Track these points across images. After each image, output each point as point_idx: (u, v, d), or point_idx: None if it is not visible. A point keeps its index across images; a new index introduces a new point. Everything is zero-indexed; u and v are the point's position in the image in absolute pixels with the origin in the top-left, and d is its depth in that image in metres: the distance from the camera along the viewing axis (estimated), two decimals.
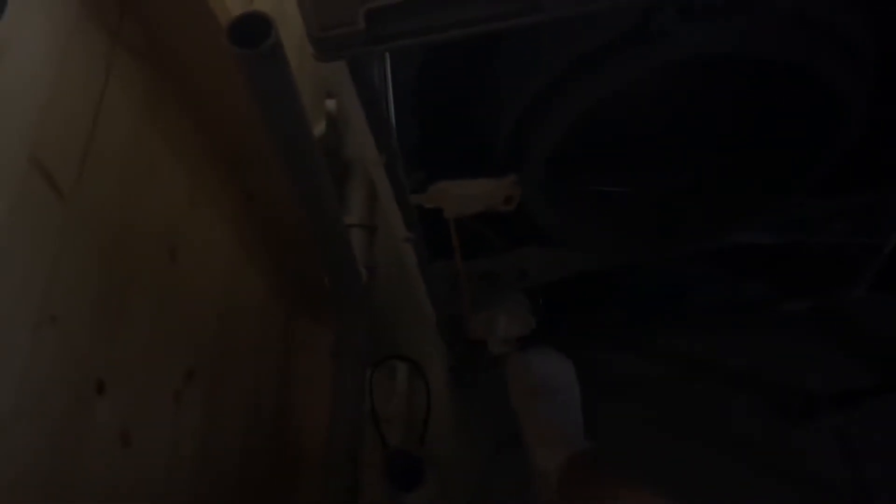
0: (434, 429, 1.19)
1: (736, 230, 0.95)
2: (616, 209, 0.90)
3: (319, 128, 1.18)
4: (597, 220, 0.90)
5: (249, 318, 1.02)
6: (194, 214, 0.87)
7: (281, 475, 1.07)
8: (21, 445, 0.55)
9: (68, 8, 0.65)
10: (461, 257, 0.91)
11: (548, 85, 0.70)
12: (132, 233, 0.73)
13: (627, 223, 0.91)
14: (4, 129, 0.56)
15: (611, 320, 1.23)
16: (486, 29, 0.56)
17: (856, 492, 1.12)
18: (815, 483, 1.13)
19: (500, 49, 0.75)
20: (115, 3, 0.71)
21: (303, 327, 1.16)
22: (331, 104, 1.21)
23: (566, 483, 0.74)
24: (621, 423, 1.18)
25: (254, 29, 0.64)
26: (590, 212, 0.89)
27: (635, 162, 0.90)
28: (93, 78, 0.68)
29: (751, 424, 1.19)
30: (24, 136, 0.59)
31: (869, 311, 1.22)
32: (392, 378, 1.23)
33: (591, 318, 1.23)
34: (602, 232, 0.91)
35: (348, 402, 1.10)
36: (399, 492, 1.09)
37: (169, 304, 0.79)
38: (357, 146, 0.74)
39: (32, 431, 0.56)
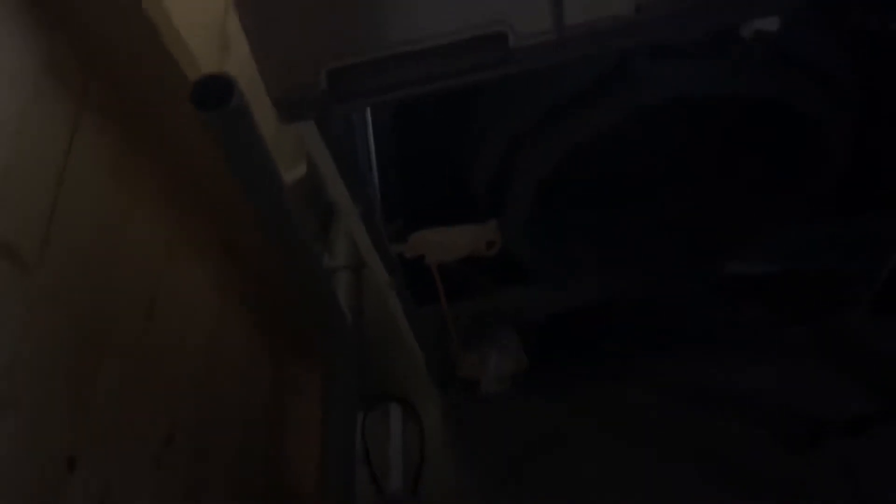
0: (430, 470, 1.17)
1: (727, 261, 0.93)
2: (602, 246, 0.88)
3: (301, 169, 1.16)
4: (583, 258, 0.88)
5: (234, 369, 1.00)
6: (172, 269, 0.85)
7: None
8: None
9: (28, 78, 0.63)
10: (447, 301, 0.89)
11: (525, 131, 0.68)
12: (105, 296, 0.71)
13: (614, 260, 0.90)
14: None
15: (606, 352, 1.21)
16: (454, 84, 0.55)
17: None
18: None
19: (477, 95, 0.74)
20: (79, 66, 0.70)
21: (291, 373, 1.14)
22: None
23: None
24: (621, 455, 1.16)
25: (219, 88, 0.63)
26: (575, 251, 0.87)
27: (621, 197, 0.88)
28: (55, 145, 0.66)
29: (753, 453, 1.16)
30: None
31: (870, 335, 1.20)
32: (385, 420, 1.21)
33: (586, 351, 1.21)
34: (588, 270, 0.89)
35: (340, 448, 1.08)
36: None
37: (146, 365, 0.77)
38: (333, 197, 0.73)
39: None
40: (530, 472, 1.16)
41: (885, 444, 1.10)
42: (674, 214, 0.88)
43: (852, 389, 1.17)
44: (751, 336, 1.20)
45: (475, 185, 0.77)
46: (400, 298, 0.87)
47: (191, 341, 0.89)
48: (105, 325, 0.71)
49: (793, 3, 0.56)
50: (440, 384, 1.16)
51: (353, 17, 0.51)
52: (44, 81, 0.65)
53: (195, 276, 0.92)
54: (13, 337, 0.58)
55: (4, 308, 0.58)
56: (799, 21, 0.64)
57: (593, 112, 0.65)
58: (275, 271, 1.00)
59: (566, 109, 0.66)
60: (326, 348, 1.09)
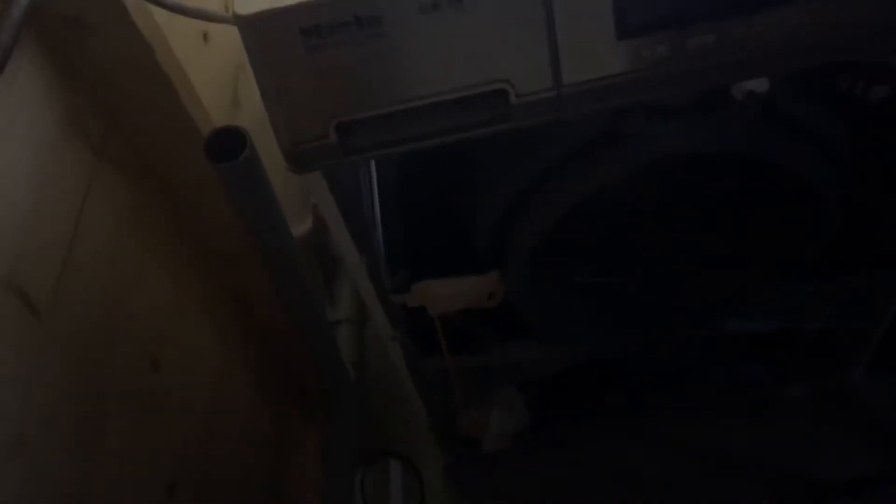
0: None
1: (725, 319, 0.95)
2: (603, 303, 0.90)
3: (307, 224, 1.19)
4: (582, 312, 0.89)
5: (237, 421, 1.00)
6: (179, 320, 0.86)
7: None
8: None
9: (49, 130, 0.66)
10: (449, 354, 0.90)
11: (525, 186, 0.70)
12: (112, 346, 0.73)
13: (615, 317, 0.91)
14: None
15: (607, 411, 1.21)
16: (454, 140, 0.57)
17: None
18: None
19: (480, 150, 0.77)
20: (97, 121, 0.72)
21: (293, 427, 1.14)
22: None
23: None
24: None
25: (231, 141, 0.65)
26: (575, 305, 0.89)
27: (622, 252, 0.90)
28: (73, 195, 0.68)
29: None
30: (0, 259, 0.59)
31: (870, 392, 1.20)
32: (385, 476, 1.20)
33: (588, 409, 1.21)
34: (588, 324, 0.90)
35: (339, 502, 1.07)
36: None
37: (150, 415, 0.77)
38: (337, 249, 0.75)
39: None
40: None
41: None
42: (673, 272, 0.90)
43: (853, 449, 1.17)
44: (751, 395, 1.20)
45: (477, 237, 0.79)
46: (402, 350, 0.88)
47: (195, 394, 0.90)
48: (111, 373, 0.72)
49: (777, 69, 0.59)
50: (441, 441, 1.16)
51: (362, 74, 0.54)
52: (63, 133, 0.68)
53: (201, 331, 0.93)
54: (23, 380, 0.59)
55: (16, 351, 0.59)
56: (789, 84, 0.67)
57: (590, 170, 0.68)
58: (279, 325, 1.01)
59: (563, 167, 0.69)
60: (328, 403, 1.09)
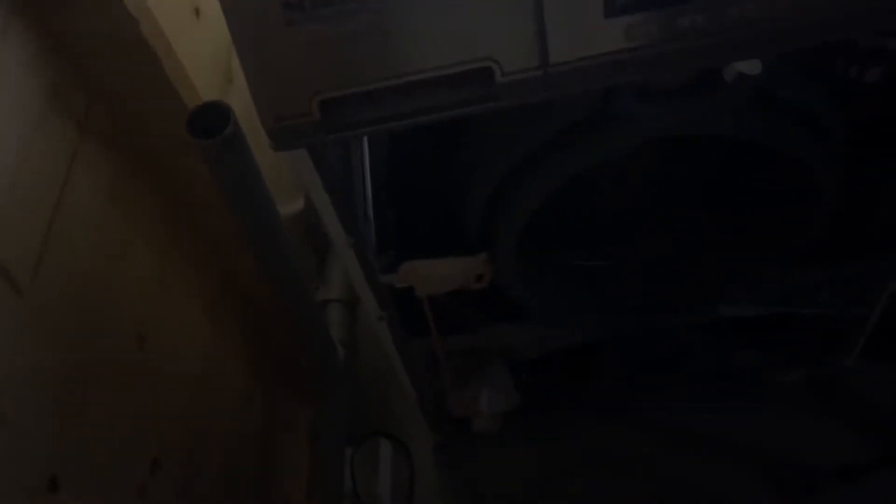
0: None
1: (718, 303, 0.94)
2: (591, 284, 0.89)
3: (299, 203, 1.18)
4: (572, 295, 0.89)
5: (225, 400, 1.00)
6: (165, 296, 0.86)
7: None
8: None
9: (33, 103, 0.65)
10: (437, 335, 0.90)
11: (513, 167, 0.70)
12: (96, 322, 0.72)
13: (604, 297, 0.90)
14: None
15: (598, 392, 1.21)
16: (441, 117, 0.56)
17: None
18: None
19: (468, 130, 0.76)
20: (82, 93, 0.72)
21: (283, 406, 1.14)
22: None
23: None
24: (609, 497, 1.15)
25: (216, 118, 0.64)
26: (564, 287, 0.88)
27: (611, 234, 0.89)
28: (56, 169, 0.68)
29: (748, 501, 1.15)
30: None
31: (863, 380, 1.20)
32: (375, 456, 1.20)
33: (578, 390, 1.21)
34: (577, 307, 0.89)
35: (329, 482, 1.07)
36: None
37: (135, 392, 0.77)
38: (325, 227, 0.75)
39: None
40: None
41: (879, 492, 1.09)
42: (665, 254, 0.89)
43: (846, 436, 1.16)
44: (744, 381, 1.20)
45: (465, 219, 0.78)
46: (390, 331, 0.88)
47: (181, 371, 0.90)
48: (95, 349, 0.72)
49: (768, 50, 0.58)
50: (431, 421, 1.16)
51: (346, 51, 0.53)
52: (47, 106, 0.67)
53: (188, 307, 0.92)
54: (4, 354, 0.59)
55: None
56: (783, 66, 0.66)
57: (575, 151, 0.67)
58: (268, 304, 1.01)
59: (551, 147, 0.68)
60: (318, 383, 1.09)
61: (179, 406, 0.87)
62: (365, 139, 0.90)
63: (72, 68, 0.71)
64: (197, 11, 0.95)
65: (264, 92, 0.55)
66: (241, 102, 0.73)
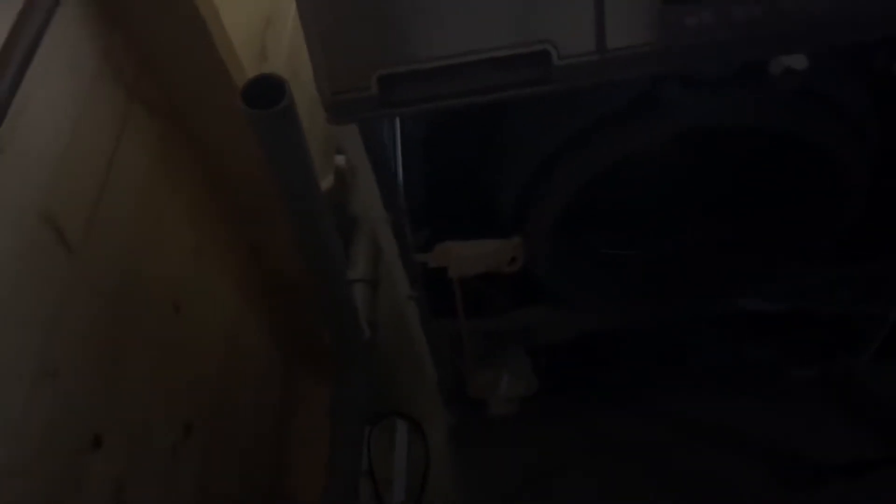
0: (433, 489, 1.17)
1: (741, 296, 0.95)
2: (621, 271, 0.90)
3: (327, 182, 1.19)
4: (601, 281, 0.90)
5: (250, 372, 1.02)
6: (199, 267, 0.87)
7: None
8: (15, 500, 0.54)
9: (87, 65, 0.67)
10: (465, 316, 0.91)
11: (553, 151, 0.71)
12: (138, 285, 0.74)
13: (632, 285, 0.91)
14: (18, 184, 0.57)
15: (614, 381, 1.22)
16: (495, 98, 0.57)
17: None
18: None
19: (508, 113, 0.77)
20: (132, 60, 0.73)
21: (303, 382, 1.15)
22: (340, 159, 1.22)
23: None
24: (622, 485, 1.17)
25: (267, 90, 0.66)
26: (594, 273, 0.89)
27: (642, 224, 0.90)
28: (108, 133, 0.69)
29: (752, 491, 1.16)
30: (37, 191, 0.59)
31: (875, 379, 1.21)
32: (391, 436, 1.22)
33: (595, 378, 1.22)
34: (606, 294, 0.91)
35: (346, 459, 1.09)
36: None
37: (171, 357, 0.79)
38: (364, 202, 0.76)
39: (27, 486, 0.55)
40: (531, 496, 1.17)
41: (885, 488, 1.11)
42: (693, 245, 0.90)
43: (854, 433, 1.18)
44: (757, 375, 1.21)
45: (501, 202, 0.79)
46: (419, 310, 0.89)
47: (212, 340, 0.91)
48: (135, 311, 0.74)
49: (820, 44, 0.59)
50: (448, 402, 1.17)
51: (406, 28, 0.54)
52: (99, 70, 0.68)
53: (220, 278, 0.94)
54: (52, 309, 0.60)
55: (47, 282, 0.60)
56: (827, 61, 0.67)
57: (620, 136, 0.68)
58: (297, 278, 1.02)
59: (594, 132, 0.69)
60: (340, 360, 1.10)
61: (208, 375, 0.89)
62: (397, 119, 0.91)
63: (123, 34, 0.72)
64: None
65: (325, 64, 0.56)
66: None
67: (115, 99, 0.71)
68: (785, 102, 0.65)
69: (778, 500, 1.15)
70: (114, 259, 0.70)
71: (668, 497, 1.16)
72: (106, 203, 0.68)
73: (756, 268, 0.90)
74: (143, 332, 0.74)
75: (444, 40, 0.55)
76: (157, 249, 0.78)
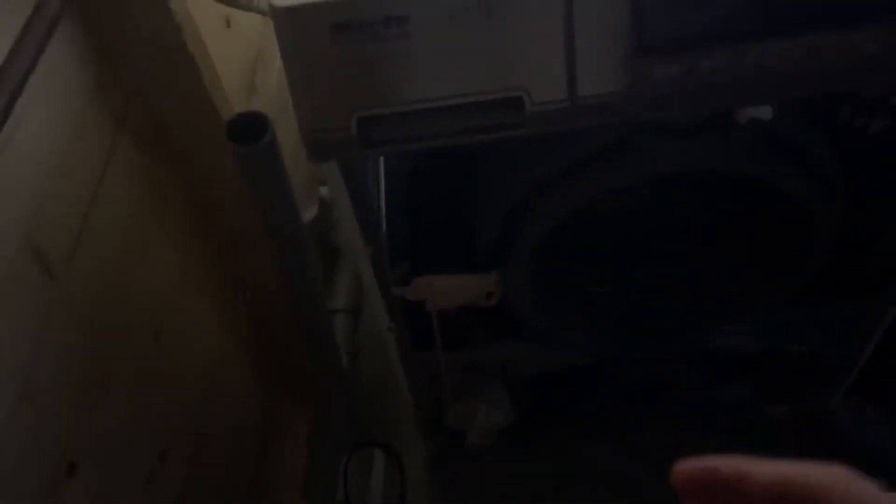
0: None
1: (712, 334, 0.97)
2: (597, 308, 0.92)
3: (311, 212, 1.21)
4: (577, 317, 0.92)
5: (229, 399, 1.02)
6: (182, 295, 0.88)
7: None
8: None
9: (77, 96, 0.68)
10: (443, 348, 0.93)
11: (529, 192, 0.73)
12: (119, 313, 0.75)
13: (608, 321, 0.93)
14: (2, 210, 0.58)
15: (591, 414, 1.24)
16: (470, 141, 0.59)
17: None
18: None
19: (488, 153, 0.79)
20: (121, 91, 0.75)
21: (283, 410, 1.16)
22: (324, 190, 1.24)
23: None
24: None
25: (252, 125, 0.67)
26: (570, 309, 0.91)
27: (617, 262, 0.92)
28: (94, 162, 0.70)
29: None
30: (21, 217, 0.61)
31: (846, 418, 1.23)
32: (368, 465, 1.22)
33: (572, 410, 1.23)
34: (582, 329, 0.93)
35: (323, 487, 1.09)
36: None
37: (149, 384, 0.79)
38: (345, 235, 0.78)
39: None
40: None
41: None
42: (666, 284, 0.92)
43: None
44: (731, 412, 1.23)
45: (480, 238, 0.81)
46: (397, 342, 0.90)
47: (191, 368, 0.92)
48: (116, 338, 0.74)
49: (783, 97, 0.62)
50: (426, 433, 1.18)
51: (385, 73, 0.56)
52: (89, 101, 0.70)
53: (202, 306, 0.95)
54: (33, 336, 0.61)
55: (29, 307, 0.61)
56: (792, 112, 0.70)
57: (592, 179, 0.70)
58: (278, 307, 1.03)
59: (568, 175, 0.71)
60: (320, 388, 1.11)
61: (187, 401, 0.90)
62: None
63: (114, 67, 0.74)
64: (228, 22, 0.98)
65: (306, 106, 0.58)
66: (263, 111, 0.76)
67: (103, 129, 0.73)
68: (751, 151, 0.67)
69: None
70: (96, 287, 0.71)
71: None
72: (90, 231, 0.69)
73: (728, 307, 0.92)
74: (122, 359, 0.75)
75: (422, 85, 0.57)
76: (140, 277, 0.79)
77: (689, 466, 0.29)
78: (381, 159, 0.94)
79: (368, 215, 0.75)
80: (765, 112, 0.64)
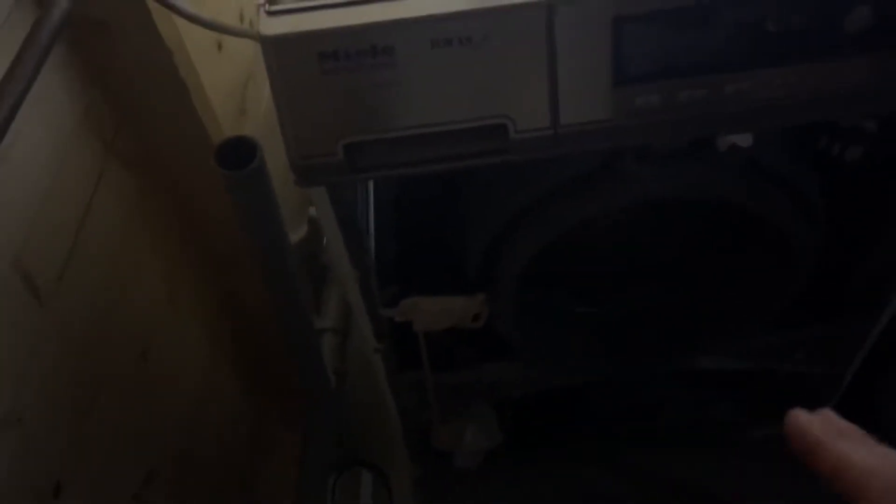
0: None
1: (697, 356, 0.98)
2: (583, 329, 0.93)
3: (301, 231, 1.21)
4: (564, 339, 0.92)
5: (218, 419, 1.02)
6: (171, 316, 0.89)
7: None
8: None
9: (67, 120, 0.69)
10: (430, 369, 0.93)
11: (514, 216, 0.74)
12: (107, 334, 0.75)
13: (594, 343, 0.94)
14: None
15: (578, 435, 1.24)
16: (455, 167, 0.60)
17: None
18: None
19: (474, 177, 0.80)
20: (111, 117, 0.75)
21: (271, 430, 1.16)
22: (314, 210, 1.25)
23: None
24: None
25: (241, 150, 0.68)
26: (557, 331, 0.92)
27: (603, 284, 0.93)
28: (84, 186, 0.71)
29: None
30: (10, 241, 0.61)
31: None
32: (356, 485, 1.22)
33: (559, 432, 1.24)
34: (569, 351, 0.93)
35: None
36: None
37: (136, 405, 0.80)
38: (332, 258, 0.79)
39: None
40: None
41: None
42: (652, 306, 0.93)
43: (813, 489, 1.20)
44: (718, 432, 1.24)
45: (466, 260, 0.82)
46: (384, 363, 0.91)
47: (180, 389, 0.92)
48: (103, 361, 0.75)
49: (762, 125, 0.63)
50: (413, 454, 1.18)
51: (371, 99, 0.57)
52: (79, 127, 0.71)
53: (190, 326, 0.95)
54: (22, 359, 0.62)
55: (16, 330, 0.62)
56: (772, 140, 0.71)
57: (575, 205, 0.71)
58: (266, 329, 1.04)
59: (552, 200, 0.72)
60: (307, 409, 1.11)
61: (175, 422, 0.90)
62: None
63: (105, 91, 0.75)
64: (219, 46, 0.99)
65: (294, 132, 0.59)
66: (253, 134, 0.77)
67: (93, 152, 0.73)
68: (732, 177, 0.68)
69: None
70: (84, 309, 0.71)
71: None
72: (79, 254, 0.70)
73: (711, 329, 0.93)
74: (110, 380, 0.76)
75: (408, 113, 0.58)
76: (128, 299, 0.79)
77: (794, 421, 0.33)
78: (371, 182, 0.95)
79: (356, 239, 0.75)
80: (745, 139, 0.66)
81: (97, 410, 0.72)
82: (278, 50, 0.55)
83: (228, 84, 1.01)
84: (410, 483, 1.25)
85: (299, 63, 0.55)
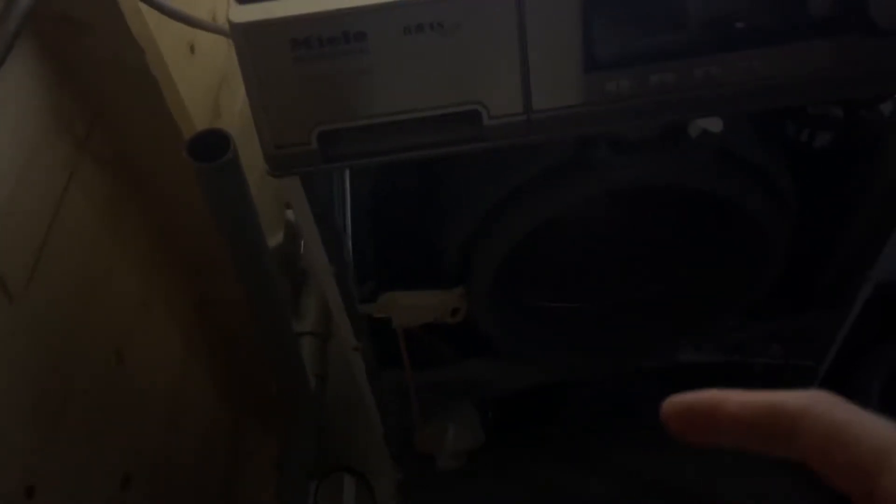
0: None
1: (674, 349, 0.99)
2: (561, 324, 0.93)
3: (278, 237, 1.21)
4: (542, 334, 0.93)
5: (195, 423, 1.01)
6: (146, 318, 0.87)
7: None
8: None
9: (35, 117, 0.68)
10: (410, 367, 0.93)
11: (492, 206, 0.74)
12: (80, 335, 0.74)
13: (572, 338, 0.94)
14: None
15: (561, 434, 1.24)
16: (431, 154, 0.60)
17: None
18: None
19: (450, 168, 0.80)
20: (83, 116, 0.75)
21: (250, 435, 1.15)
22: (290, 214, 1.24)
23: None
24: None
25: (214, 144, 0.68)
26: (535, 326, 0.92)
27: (580, 278, 0.94)
28: (54, 185, 0.70)
29: None
30: None
31: None
32: (338, 490, 1.21)
33: (542, 431, 1.23)
34: (546, 346, 0.93)
35: None
36: None
37: (110, 407, 0.78)
38: (307, 254, 0.78)
39: None
40: None
41: None
42: (627, 300, 0.94)
43: (797, 489, 1.20)
44: None
45: (444, 254, 0.82)
46: (364, 361, 0.90)
47: (155, 391, 0.91)
48: (76, 363, 0.74)
49: (731, 110, 0.64)
50: (396, 456, 1.17)
51: (344, 86, 0.57)
52: (48, 126, 0.70)
53: (166, 329, 0.94)
54: None
55: None
56: (743, 128, 0.72)
57: (550, 195, 0.71)
58: (244, 332, 1.03)
59: (526, 191, 0.73)
60: (287, 413, 1.10)
61: (152, 425, 0.88)
62: (347, 172, 0.94)
63: (76, 91, 0.74)
64: (192, 48, 0.99)
65: (267, 121, 0.59)
66: None
67: (64, 150, 0.73)
68: (703, 164, 0.69)
69: None
70: (56, 310, 0.70)
71: None
72: (50, 253, 0.69)
73: (690, 321, 0.94)
74: (84, 382, 0.74)
75: (381, 100, 0.58)
76: (101, 300, 0.78)
77: (671, 406, 0.28)
78: (347, 176, 0.95)
79: (332, 233, 0.75)
80: (715, 124, 0.66)
81: (70, 413, 0.71)
82: (249, 37, 0.55)
83: (201, 86, 1.01)
84: (393, 487, 1.24)
85: (271, 51, 0.55)
